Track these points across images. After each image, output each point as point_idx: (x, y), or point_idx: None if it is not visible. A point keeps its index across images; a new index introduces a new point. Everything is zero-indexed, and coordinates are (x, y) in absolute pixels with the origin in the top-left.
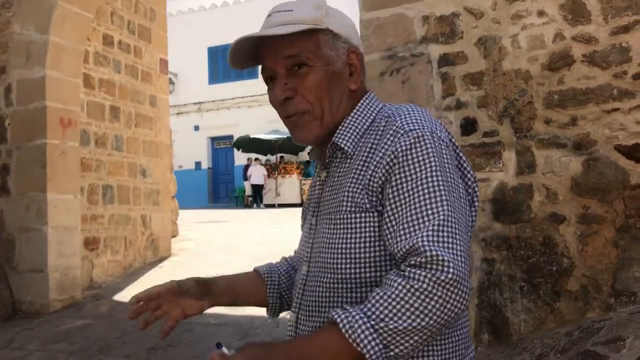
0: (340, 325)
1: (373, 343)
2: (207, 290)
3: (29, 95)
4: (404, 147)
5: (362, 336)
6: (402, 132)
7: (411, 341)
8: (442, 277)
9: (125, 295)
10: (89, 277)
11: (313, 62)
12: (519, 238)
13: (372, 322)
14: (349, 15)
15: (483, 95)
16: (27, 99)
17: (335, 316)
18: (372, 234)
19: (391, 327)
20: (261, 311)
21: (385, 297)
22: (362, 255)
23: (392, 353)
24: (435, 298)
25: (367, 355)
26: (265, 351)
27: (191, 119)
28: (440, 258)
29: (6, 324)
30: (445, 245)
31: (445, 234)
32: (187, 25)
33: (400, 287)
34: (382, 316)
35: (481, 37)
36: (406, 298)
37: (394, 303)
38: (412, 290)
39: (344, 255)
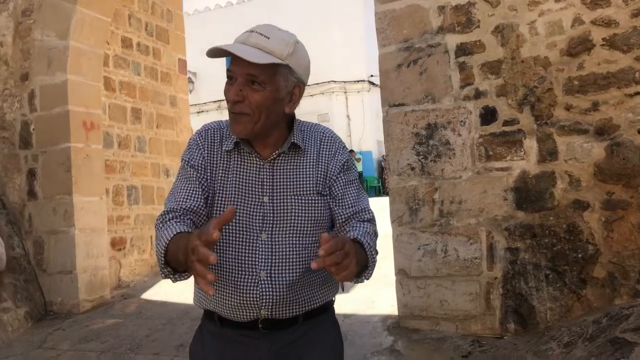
0: (367, 247)
1: (374, 257)
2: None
3: (52, 100)
4: (347, 158)
5: (373, 253)
6: (342, 147)
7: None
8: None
9: (153, 294)
10: (117, 277)
11: (265, 85)
12: (542, 226)
13: (373, 251)
14: (367, 7)
15: (502, 84)
16: (50, 104)
17: (362, 240)
18: (326, 209)
19: (374, 250)
20: None
21: (371, 233)
22: (323, 221)
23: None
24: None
25: (371, 262)
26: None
27: (212, 117)
28: (373, 217)
29: (38, 325)
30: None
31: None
32: (204, 23)
33: (372, 230)
34: (373, 245)
35: (498, 25)
36: (374, 237)
37: (374, 238)
38: (375, 231)
39: (316, 222)
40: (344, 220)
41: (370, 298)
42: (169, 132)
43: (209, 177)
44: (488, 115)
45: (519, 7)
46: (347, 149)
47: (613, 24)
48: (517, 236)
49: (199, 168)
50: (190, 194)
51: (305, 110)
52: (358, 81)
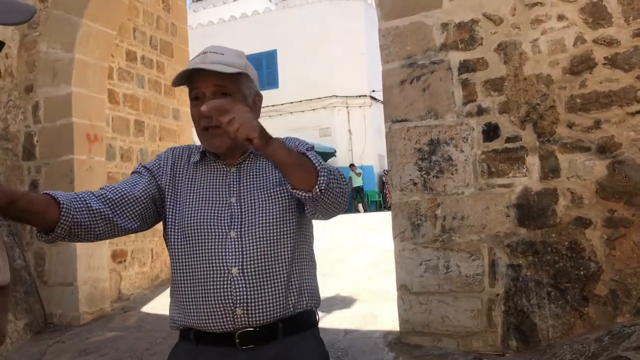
0: (313, 158)
1: (324, 167)
2: (9, 203)
3: (56, 112)
4: (307, 149)
5: (321, 164)
6: (303, 143)
7: (333, 193)
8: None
9: (153, 307)
10: (117, 289)
11: (235, 94)
12: (544, 243)
13: (320, 162)
14: (368, 22)
15: (504, 101)
16: (54, 116)
17: (308, 154)
18: (293, 198)
19: (333, 179)
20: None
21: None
22: (295, 214)
23: (326, 188)
24: (341, 180)
25: (320, 167)
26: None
27: None
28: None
29: (38, 337)
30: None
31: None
32: (207, 37)
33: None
34: (332, 174)
35: (501, 43)
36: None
37: (335, 173)
38: (339, 175)
39: (284, 212)
40: None
41: (372, 313)
42: (172, 144)
43: (159, 183)
44: (490, 132)
45: (522, 26)
46: (310, 147)
47: (615, 43)
48: (519, 253)
49: (149, 171)
50: (127, 182)
51: (307, 124)
52: (360, 96)
